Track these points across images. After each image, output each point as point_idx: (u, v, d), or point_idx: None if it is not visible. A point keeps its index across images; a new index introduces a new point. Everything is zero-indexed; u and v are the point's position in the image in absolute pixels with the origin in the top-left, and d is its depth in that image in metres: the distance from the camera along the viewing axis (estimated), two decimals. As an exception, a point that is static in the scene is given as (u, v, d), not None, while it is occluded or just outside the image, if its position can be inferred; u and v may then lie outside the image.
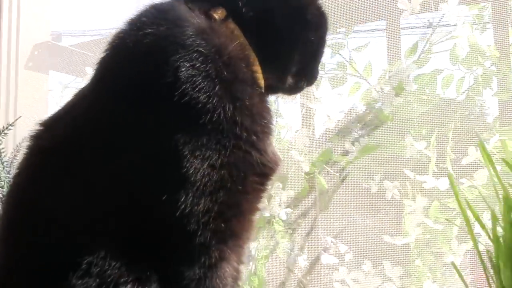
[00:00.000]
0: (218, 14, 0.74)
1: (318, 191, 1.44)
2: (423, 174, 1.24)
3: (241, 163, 0.70)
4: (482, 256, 0.78)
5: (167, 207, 0.67)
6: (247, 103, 0.71)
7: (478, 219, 0.80)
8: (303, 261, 1.46)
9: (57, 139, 0.73)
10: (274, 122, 0.79)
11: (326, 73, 1.40)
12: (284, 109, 1.50)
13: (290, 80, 0.83)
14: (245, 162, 0.71)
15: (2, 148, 1.43)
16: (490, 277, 0.76)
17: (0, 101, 1.86)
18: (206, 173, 0.67)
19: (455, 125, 1.25)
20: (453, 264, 0.91)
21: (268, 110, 0.77)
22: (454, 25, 1.21)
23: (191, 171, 0.67)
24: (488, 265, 0.77)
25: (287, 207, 1.44)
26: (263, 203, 0.81)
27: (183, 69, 0.66)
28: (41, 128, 0.77)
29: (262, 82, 0.77)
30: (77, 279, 0.65)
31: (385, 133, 1.34)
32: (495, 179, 0.78)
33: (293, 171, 1.43)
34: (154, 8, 0.74)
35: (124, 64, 0.71)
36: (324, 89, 1.42)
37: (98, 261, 0.66)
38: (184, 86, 0.66)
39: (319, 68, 0.89)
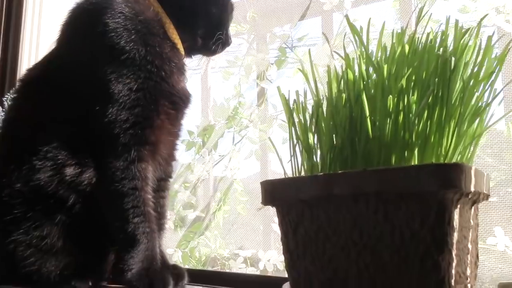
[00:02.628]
0: (143, -10, 1.08)
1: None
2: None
3: (152, 89, 1.01)
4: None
5: (99, 115, 0.98)
6: (157, 49, 1.03)
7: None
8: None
9: (32, 76, 1.09)
10: (185, 67, 1.12)
11: (272, 58, 1.72)
12: (244, 90, 1.82)
13: (200, 41, 1.14)
14: (156, 89, 1.01)
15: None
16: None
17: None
18: (126, 94, 0.98)
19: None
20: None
21: (178, 58, 1.08)
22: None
23: (115, 92, 0.98)
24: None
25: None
26: (178, 128, 1.13)
27: (110, 23, 0.99)
28: (26, 71, 1.12)
29: (176, 40, 1.08)
30: (37, 160, 0.97)
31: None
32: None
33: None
34: None
35: (75, 21, 1.06)
36: (273, 71, 1.74)
37: (52, 149, 0.98)
38: (110, 34, 0.99)
39: (229, 37, 1.19)
